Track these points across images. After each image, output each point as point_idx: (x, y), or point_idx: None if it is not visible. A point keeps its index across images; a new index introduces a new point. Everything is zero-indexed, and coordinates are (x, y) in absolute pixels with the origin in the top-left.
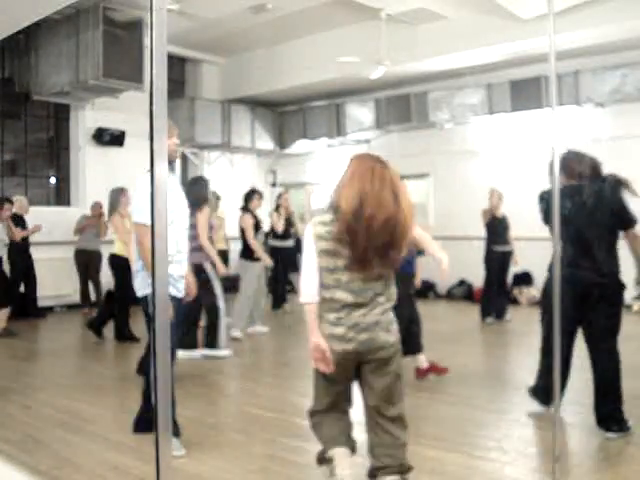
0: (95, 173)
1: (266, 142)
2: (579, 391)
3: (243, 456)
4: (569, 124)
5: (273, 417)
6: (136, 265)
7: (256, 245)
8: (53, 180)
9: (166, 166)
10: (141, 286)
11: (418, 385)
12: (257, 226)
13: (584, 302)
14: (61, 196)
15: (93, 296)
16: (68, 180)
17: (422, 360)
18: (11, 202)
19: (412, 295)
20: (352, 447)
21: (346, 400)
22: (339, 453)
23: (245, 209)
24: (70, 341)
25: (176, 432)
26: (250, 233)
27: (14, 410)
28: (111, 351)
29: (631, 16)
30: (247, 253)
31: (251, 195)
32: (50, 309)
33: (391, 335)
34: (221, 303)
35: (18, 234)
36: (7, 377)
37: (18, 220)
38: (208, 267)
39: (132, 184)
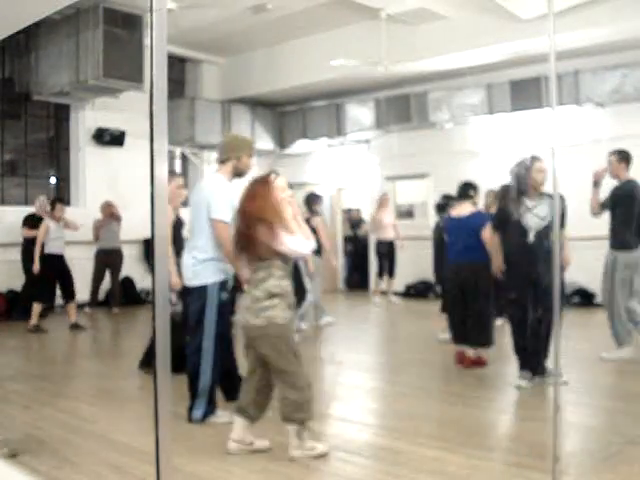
0: (95, 173)
1: (266, 142)
2: (579, 391)
3: (243, 456)
4: (569, 124)
5: (273, 417)
6: (203, 254)
7: (329, 245)
8: (53, 180)
9: (166, 166)
10: (205, 275)
11: (418, 385)
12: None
13: None
14: (61, 196)
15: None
16: (68, 180)
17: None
18: (62, 201)
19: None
20: (252, 418)
21: (259, 367)
22: (238, 422)
23: (313, 212)
24: (70, 341)
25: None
26: (323, 234)
27: (14, 410)
28: (111, 351)
29: (631, 16)
30: (318, 251)
31: (312, 199)
32: (50, 309)
33: (259, 320)
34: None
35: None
36: (7, 377)
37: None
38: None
39: (132, 184)
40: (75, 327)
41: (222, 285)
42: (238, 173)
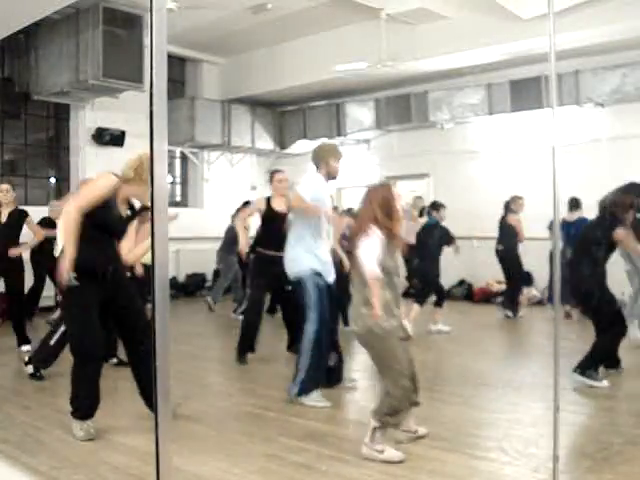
0: (95, 173)
1: (266, 142)
2: (579, 391)
3: (243, 456)
4: (569, 124)
5: (273, 417)
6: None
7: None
8: (53, 180)
9: (166, 166)
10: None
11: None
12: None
13: None
14: (61, 196)
15: None
16: (68, 180)
17: None
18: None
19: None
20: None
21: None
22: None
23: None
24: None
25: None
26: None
27: (14, 410)
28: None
29: (631, 16)
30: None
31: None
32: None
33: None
34: None
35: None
36: (5, 377)
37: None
38: None
39: None
40: None
41: (317, 274)
42: (330, 176)
